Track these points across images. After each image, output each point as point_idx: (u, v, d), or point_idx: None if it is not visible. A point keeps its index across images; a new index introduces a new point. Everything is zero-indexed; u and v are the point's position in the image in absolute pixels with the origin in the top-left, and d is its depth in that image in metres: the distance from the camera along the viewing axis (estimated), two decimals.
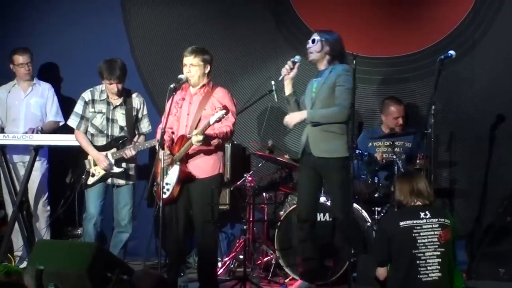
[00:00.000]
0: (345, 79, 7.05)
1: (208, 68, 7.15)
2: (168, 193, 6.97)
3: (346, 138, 7.10)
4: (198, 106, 7.08)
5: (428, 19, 8.71)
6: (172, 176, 6.99)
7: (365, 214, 7.80)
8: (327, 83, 7.12)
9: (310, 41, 7.26)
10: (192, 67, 7.09)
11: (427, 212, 5.84)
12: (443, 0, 8.70)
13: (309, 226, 7.29)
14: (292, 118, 7.24)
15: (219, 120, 6.85)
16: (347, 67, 7.17)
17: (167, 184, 7.00)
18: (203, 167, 7.06)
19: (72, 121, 7.90)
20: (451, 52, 7.24)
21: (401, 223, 5.81)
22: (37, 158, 8.25)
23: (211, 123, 6.85)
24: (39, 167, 8.40)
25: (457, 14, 8.62)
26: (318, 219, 7.71)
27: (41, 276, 5.74)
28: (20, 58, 8.45)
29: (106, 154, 7.79)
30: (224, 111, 6.85)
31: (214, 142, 7.04)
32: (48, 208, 8.49)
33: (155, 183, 7.17)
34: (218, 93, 7.12)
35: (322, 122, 7.11)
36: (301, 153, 7.31)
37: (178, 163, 7.00)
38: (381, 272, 5.97)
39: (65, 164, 8.30)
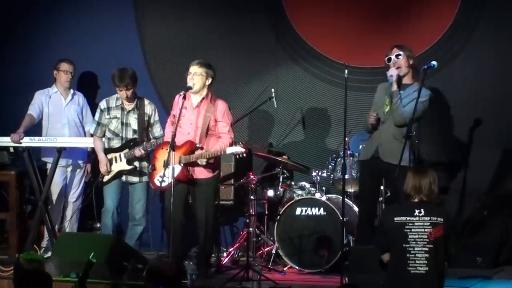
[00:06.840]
0: (423, 100, 6.81)
1: (210, 81, 7.10)
2: (163, 184, 6.84)
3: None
4: (203, 119, 7.03)
5: (413, 33, 8.55)
6: (171, 171, 6.74)
7: (355, 208, 7.69)
8: (407, 99, 6.91)
9: (393, 56, 7.05)
10: (196, 76, 7.03)
11: (422, 210, 5.67)
12: (426, 16, 8.55)
13: (370, 222, 7.12)
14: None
15: (235, 155, 6.99)
16: (429, 92, 6.99)
17: (164, 175, 6.84)
18: (206, 168, 7.05)
19: (91, 127, 7.93)
20: (434, 62, 7.06)
21: (396, 219, 5.70)
22: (73, 161, 8.25)
23: (227, 152, 6.93)
24: (72, 169, 8.29)
25: (438, 29, 8.47)
26: (313, 213, 7.69)
27: (91, 267, 5.50)
28: (66, 66, 8.25)
29: (120, 154, 7.71)
30: (243, 150, 6.86)
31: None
32: (79, 204, 8.38)
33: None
34: (219, 107, 7.07)
35: (393, 110, 6.91)
36: (369, 157, 7.05)
37: (182, 165, 6.95)
38: (386, 257, 5.84)
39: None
